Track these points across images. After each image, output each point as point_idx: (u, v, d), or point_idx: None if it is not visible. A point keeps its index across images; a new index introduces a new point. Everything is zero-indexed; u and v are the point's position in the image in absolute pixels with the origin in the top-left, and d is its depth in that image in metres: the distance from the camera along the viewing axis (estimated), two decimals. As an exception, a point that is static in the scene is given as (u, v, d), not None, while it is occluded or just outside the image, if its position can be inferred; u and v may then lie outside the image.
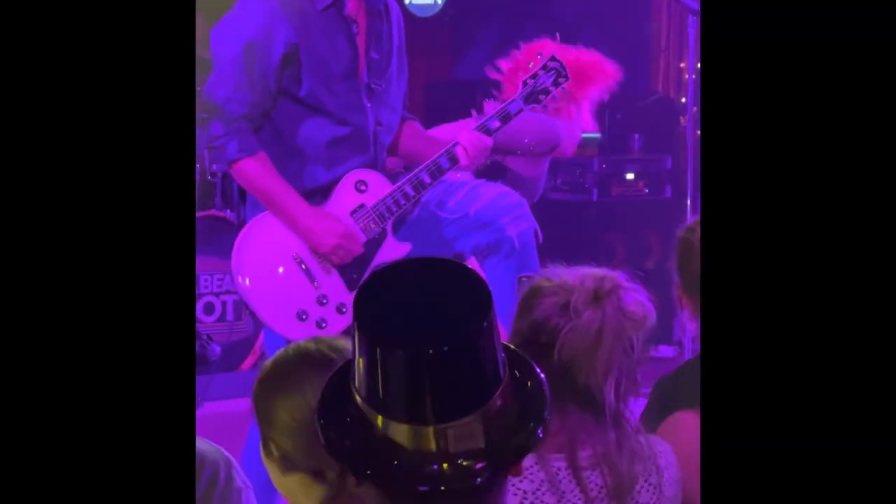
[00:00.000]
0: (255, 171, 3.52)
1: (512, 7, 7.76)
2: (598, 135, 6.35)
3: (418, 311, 1.48)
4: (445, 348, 1.43)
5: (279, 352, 2.16)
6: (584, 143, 6.21)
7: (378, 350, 1.46)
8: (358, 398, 1.50)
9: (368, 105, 3.63)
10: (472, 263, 3.87)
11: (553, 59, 3.79)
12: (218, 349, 4.63)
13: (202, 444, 1.81)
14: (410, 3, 8.19)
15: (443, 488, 1.46)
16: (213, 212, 5.15)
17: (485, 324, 1.46)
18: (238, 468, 1.78)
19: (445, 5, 8.25)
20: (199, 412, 4.16)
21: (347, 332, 3.53)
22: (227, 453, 1.78)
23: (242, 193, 3.67)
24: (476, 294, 1.49)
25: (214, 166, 5.35)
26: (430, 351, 1.43)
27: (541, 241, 3.78)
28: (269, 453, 2.04)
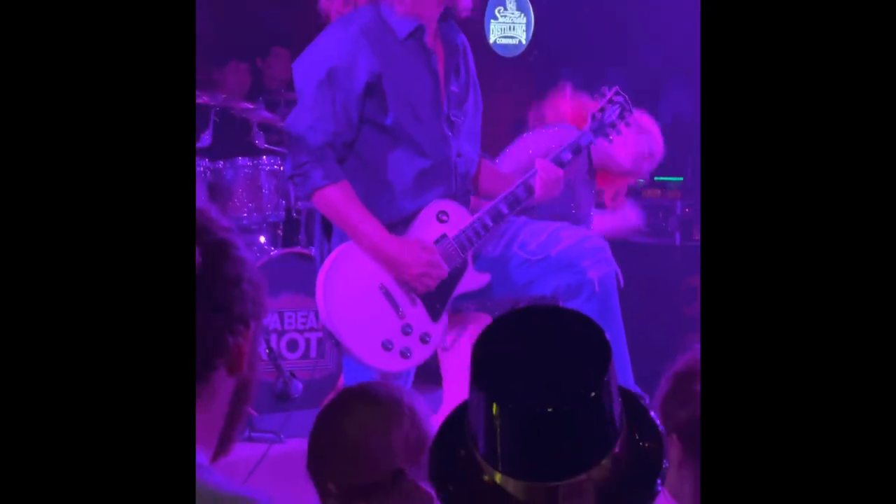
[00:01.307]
0: (339, 199, 3.53)
1: (595, 47, 7.78)
2: (680, 178, 6.34)
3: (536, 366, 1.44)
4: (565, 407, 1.39)
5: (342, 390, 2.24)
6: (667, 186, 6.20)
7: (495, 405, 1.42)
8: (472, 448, 1.47)
9: (450, 134, 3.68)
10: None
11: (618, 92, 3.92)
12: (300, 386, 4.68)
13: None
14: (495, 42, 8.26)
15: None
16: (297, 249, 5.22)
17: (606, 379, 1.42)
18: None
19: (529, 45, 8.31)
20: (280, 448, 4.22)
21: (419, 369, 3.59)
22: None
23: (327, 228, 3.70)
24: (595, 347, 1.44)
25: (300, 204, 5.42)
26: (549, 410, 1.39)
27: (622, 284, 3.78)
28: (327, 494, 2.10)
